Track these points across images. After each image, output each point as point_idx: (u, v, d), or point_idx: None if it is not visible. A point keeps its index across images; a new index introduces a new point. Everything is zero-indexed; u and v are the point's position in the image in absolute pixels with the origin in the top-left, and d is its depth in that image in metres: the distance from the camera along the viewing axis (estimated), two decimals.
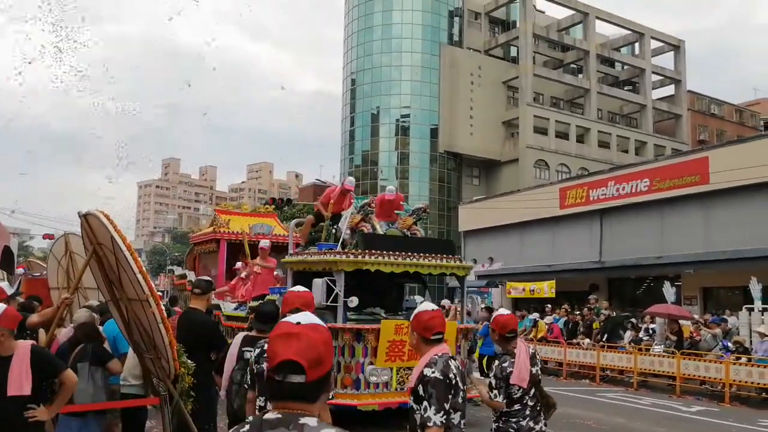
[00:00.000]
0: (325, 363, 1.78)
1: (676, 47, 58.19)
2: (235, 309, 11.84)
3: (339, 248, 9.08)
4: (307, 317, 1.84)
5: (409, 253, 8.83)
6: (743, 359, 14.64)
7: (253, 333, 5.46)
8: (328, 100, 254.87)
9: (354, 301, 8.09)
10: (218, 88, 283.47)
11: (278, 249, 13.64)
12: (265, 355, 4.04)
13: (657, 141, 54.52)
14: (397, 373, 8.69)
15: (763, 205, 22.10)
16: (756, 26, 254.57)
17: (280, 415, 1.74)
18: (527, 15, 51.27)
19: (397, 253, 8.73)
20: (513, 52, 54.69)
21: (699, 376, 15.16)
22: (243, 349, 5.31)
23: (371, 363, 8.53)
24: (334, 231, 10.19)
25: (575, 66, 57.03)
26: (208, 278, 7.12)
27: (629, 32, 56.91)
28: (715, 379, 14.83)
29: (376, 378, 8.37)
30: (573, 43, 54.29)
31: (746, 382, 14.29)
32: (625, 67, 58.84)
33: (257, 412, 4.08)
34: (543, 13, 56.88)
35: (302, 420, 1.72)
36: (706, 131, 58.53)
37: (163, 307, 5.54)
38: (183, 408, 5.59)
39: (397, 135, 52.36)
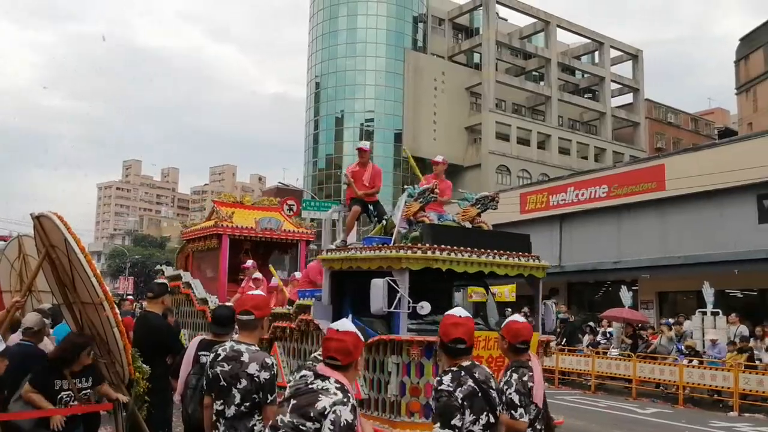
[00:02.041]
0: None
1: (635, 57, 59.44)
2: None
3: (393, 242, 7.37)
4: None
5: (484, 250, 7.18)
6: (695, 362, 15.01)
7: (210, 337, 5.42)
8: (292, 103, 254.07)
9: (426, 308, 6.54)
10: (182, 89, 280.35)
11: (285, 247, 12.69)
12: (220, 359, 3.92)
13: (616, 148, 55.57)
14: None
15: (716, 212, 22.66)
16: (711, 39, 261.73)
17: None
18: (490, 22, 51.84)
19: (468, 249, 7.07)
20: (476, 58, 55.23)
21: (654, 379, 15.50)
22: (199, 353, 5.22)
23: None
24: (375, 222, 8.68)
25: (537, 73, 57.83)
26: (163, 281, 7.05)
27: (589, 41, 57.98)
28: (669, 381, 15.17)
29: None
30: (535, 50, 55.08)
31: (699, 384, 14.66)
32: (585, 75, 59.89)
33: (214, 417, 4.05)
34: (506, 20, 57.62)
35: None
36: (663, 139, 59.86)
37: (117, 311, 5.47)
38: (137, 413, 5.51)
39: (362, 139, 52.37)
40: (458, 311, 3.85)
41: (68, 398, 5.27)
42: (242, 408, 3.92)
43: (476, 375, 3.59)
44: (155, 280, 7.35)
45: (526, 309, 23.26)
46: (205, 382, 4.21)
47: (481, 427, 3.52)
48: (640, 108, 58.76)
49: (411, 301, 6.63)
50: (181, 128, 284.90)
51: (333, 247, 8.17)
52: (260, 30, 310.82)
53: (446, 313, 3.85)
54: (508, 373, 4.16)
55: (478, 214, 7.89)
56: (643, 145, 57.06)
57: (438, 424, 3.50)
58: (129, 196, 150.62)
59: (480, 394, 3.54)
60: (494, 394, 3.62)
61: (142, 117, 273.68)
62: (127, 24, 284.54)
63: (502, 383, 4.05)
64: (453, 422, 3.45)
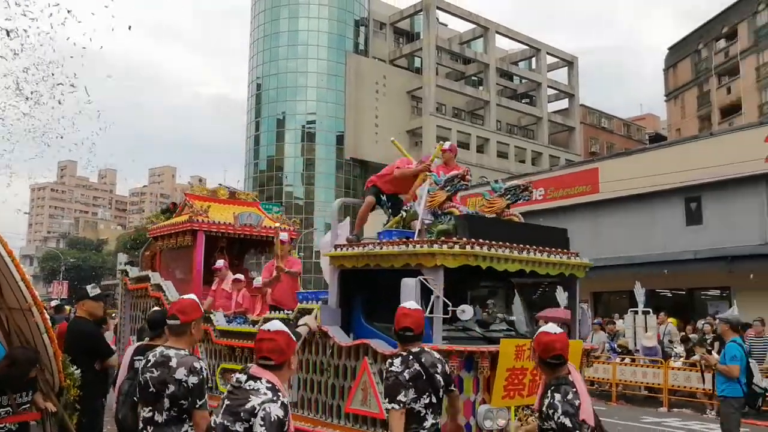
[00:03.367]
0: None
1: (570, 63, 61.06)
2: (231, 322, 9.26)
3: (416, 236, 6.50)
4: None
5: (524, 246, 6.33)
6: (627, 360, 15.53)
7: (147, 341, 5.33)
8: (234, 104, 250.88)
9: (468, 312, 5.69)
10: (121, 89, 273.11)
11: (264, 245, 11.66)
12: (150, 365, 3.95)
13: (552, 152, 56.93)
14: (516, 415, 6.08)
15: (647, 214, 23.49)
16: (642, 48, 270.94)
17: None
18: (430, 27, 52.40)
19: (510, 244, 6.20)
20: (417, 62, 55.75)
21: (588, 377, 15.94)
22: (134, 358, 5.15)
23: (484, 401, 5.94)
24: (390, 214, 7.79)
25: (476, 78, 58.76)
26: (91, 285, 6.84)
27: (527, 47, 59.28)
28: (603, 379, 15.65)
29: (491, 423, 5.85)
30: (474, 56, 55.96)
31: (631, 381, 15.19)
32: (523, 80, 61.18)
33: (142, 425, 4.02)
34: (446, 26, 58.36)
35: None
36: (597, 143, 61.66)
37: (48, 316, 5.31)
38: (68, 422, 5.35)
39: (303, 141, 52.21)
40: (410, 304, 4.48)
41: (5, 414, 5.05)
42: (171, 414, 3.87)
43: (423, 360, 4.16)
44: (81, 286, 6.89)
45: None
46: (137, 390, 4.15)
47: (423, 406, 4.10)
48: (575, 113, 60.40)
49: (450, 304, 5.74)
50: (119, 129, 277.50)
51: (339, 242, 7.16)
52: (203, 30, 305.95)
53: (400, 305, 4.46)
54: (549, 393, 3.86)
55: (507, 206, 6.94)
56: (578, 149, 58.63)
57: (386, 399, 4.11)
58: (64, 197, 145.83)
59: (425, 377, 4.11)
60: (439, 377, 4.16)
61: (79, 117, 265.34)
62: (66, 21, 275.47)
63: (544, 407, 3.84)
64: (398, 398, 4.05)
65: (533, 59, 60.51)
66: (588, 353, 7.11)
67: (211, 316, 8.96)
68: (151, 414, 3.91)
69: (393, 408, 4.04)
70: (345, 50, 52.51)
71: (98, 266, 73.29)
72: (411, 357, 4.17)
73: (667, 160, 22.41)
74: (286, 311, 7.59)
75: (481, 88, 56.79)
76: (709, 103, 50.22)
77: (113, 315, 25.27)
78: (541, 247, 6.43)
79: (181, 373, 3.83)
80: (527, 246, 6.27)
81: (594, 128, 62.77)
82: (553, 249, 6.60)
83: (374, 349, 5.97)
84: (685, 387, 14.10)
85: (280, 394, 3.15)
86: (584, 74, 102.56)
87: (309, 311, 6.94)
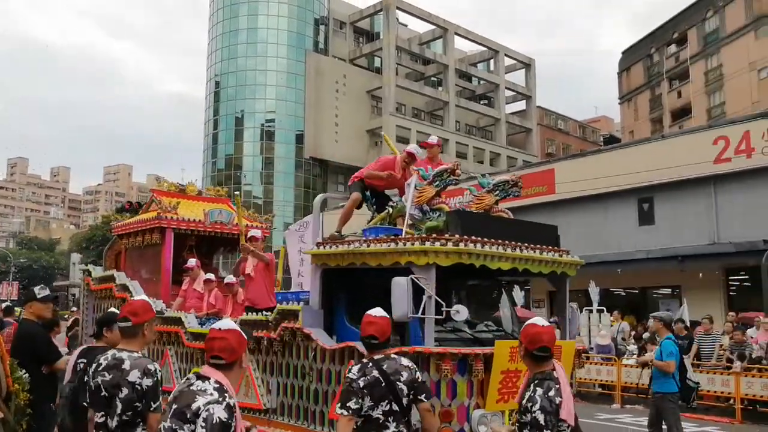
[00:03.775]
0: None
1: (528, 65, 61.95)
2: (204, 324, 8.74)
3: (404, 233, 6.13)
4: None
5: (516, 243, 6.05)
6: (582, 357, 15.91)
7: (94, 343, 5.24)
8: (191, 101, 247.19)
9: (462, 313, 5.47)
10: (75, 86, 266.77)
11: (234, 243, 10.85)
12: (101, 369, 3.86)
13: (510, 153, 57.71)
14: (509, 419, 5.81)
15: (601, 214, 24.08)
16: (597, 51, 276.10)
17: None
18: (390, 27, 52.60)
19: (503, 241, 5.91)
20: (377, 62, 55.90)
21: None
22: (78, 360, 5.04)
23: (478, 405, 5.69)
24: (374, 210, 7.45)
25: (435, 79, 59.20)
26: (39, 287, 6.61)
27: (485, 49, 59.93)
28: None
29: (485, 429, 5.63)
30: (433, 57, 56.37)
31: (586, 379, 15.59)
32: (482, 82, 61.85)
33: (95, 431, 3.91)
34: (406, 26, 58.63)
35: None
36: (553, 145, 62.76)
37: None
38: (17, 429, 5.22)
39: (262, 140, 51.89)
40: (375, 311, 4.38)
41: None
42: (124, 417, 3.77)
43: (384, 367, 4.10)
44: (30, 288, 6.55)
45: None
46: (87, 395, 4.01)
47: (382, 413, 4.04)
48: (533, 115, 61.33)
49: (444, 304, 5.48)
50: (73, 126, 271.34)
51: (320, 240, 6.77)
52: (161, 27, 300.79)
53: (366, 312, 4.39)
54: (531, 387, 3.79)
55: (496, 203, 6.66)
56: (535, 150, 59.56)
57: (338, 405, 4.10)
58: (14, 195, 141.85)
59: (384, 384, 4.04)
60: (401, 386, 4.07)
61: (31, 114, 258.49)
62: (16, 16, 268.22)
63: (525, 400, 3.77)
64: (348, 404, 4.01)
65: (491, 61, 61.21)
66: (580, 354, 6.90)
67: (183, 317, 8.56)
68: (103, 419, 3.82)
69: (342, 414, 4.04)
70: (305, 49, 52.36)
71: (50, 266, 71.64)
72: (371, 364, 4.13)
73: (621, 162, 22.99)
74: (264, 312, 7.18)
75: (440, 88, 57.24)
76: (661, 107, 51.57)
77: (66, 317, 24.73)
78: (533, 245, 6.21)
79: (134, 376, 3.76)
80: (520, 244, 6.04)
81: (551, 130, 63.89)
82: (545, 247, 6.40)
83: (361, 352, 5.61)
84: (637, 384, 14.55)
85: (227, 395, 3.10)
86: (541, 76, 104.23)
87: (291, 313, 6.55)
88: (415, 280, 5.41)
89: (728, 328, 14.42)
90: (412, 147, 7.59)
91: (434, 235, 5.63)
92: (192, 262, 9.79)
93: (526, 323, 3.98)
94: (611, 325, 17.60)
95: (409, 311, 5.28)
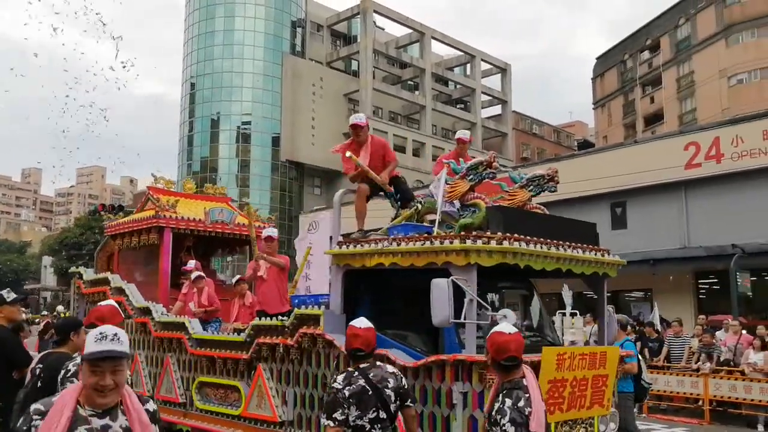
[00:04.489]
0: None
1: (503, 70, 62.45)
2: (209, 327, 8.57)
3: (436, 231, 5.64)
4: None
5: (560, 242, 5.61)
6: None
7: (54, 348, 5.19)
8: (167, 103, 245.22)
9: (510, 317, 5.05)
10: (49, 86, 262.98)
11: (234, 245, 10.90)
12: (70, 375, 3.82)
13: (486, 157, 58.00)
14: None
15: (575, 218, 24.37)
16: (571, 57, 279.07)
17: None
18: (367, 31, 52.71)
19: (547, 240, 5.49)
20: (354, 65, 55.99)
21: None
22: (36, 365, 4.96)
23: None
24: (398, 207, 6.89)
25: (412, 83, 59.41)
26: (6, 290, 6.50)
27: (462, 54, 60.29)
28: None
29: None
30: (410, 60, 56.58)
31: None
32: (458, 86, 62.20)
33: None
34: (383, 30, 58.78)
35: None
36: (528, 149, 63.34)
37: None
38: None
39: (238, 142, 51.64)
40: (359, 322, 4.33)
41: None
42: None
43: (370, 375, 4.12)
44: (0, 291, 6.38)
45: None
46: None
47: (368, 421, 4.04)
48: (508, 119, 61.82)
49: (489, 308, 5.09)
50: (46, 127, 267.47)
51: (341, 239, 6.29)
52: (137, 27, 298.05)
53: (350, 323, 4.37)
54: (500, 397, 3.64)
55: (530, 199, 6.21)
56: (510, 154, 60.01)
57: (324, 415, 4.11)
58: None
59: (371, 392, 4.06)
60: (389, 392, 4.12)
61: (1, 113, 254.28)
62: None
63: (494, 411, 3.62)
64: (335, 415, 4.02)
65: (468, 65, 61.61)
66: (622, 360, 6.52)
67: (186, 322, 8.11)
68: None
69: (328, 425, 4.04)
70: (281, 51, 52.24)
71: (21, 269, 70.59)
72: (356, 373, 4.13)
73: (595, 167, 23.29)
74: (280, 317, 6.81)
75: (417, 92, 57.46)
76: (634, 112, 52.30)
77: (37, 321, 24.38)
78: (576, 244, 5.82)
79: None
80: (564, 243, 5.65)
81: (526, 134, 64.45)
82: (587, 246, 6.01)
83: (392, 360, 5.31)
84: None
85: None
86: (517, 81, 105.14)
87: (310, 317, 6.14)
88: (456, 281, 4.98)
89: (698, 331, 14.69)
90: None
91: (474, 233, 5.21)
92: (192, 263, 9.40)
93: (492, 331, 3.83)
94: (584, 328, 17.76)
95: (451, 316, 4.87)
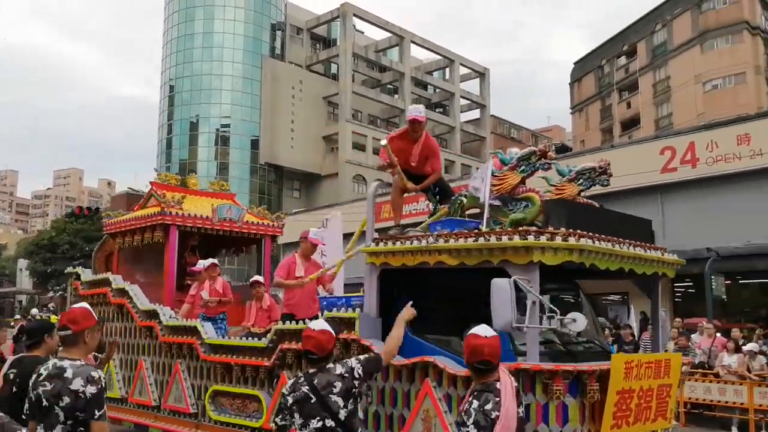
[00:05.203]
0: None
1: (482, 75, 62.83)
2: (217, 325, 8.17)
3: (484, 227, 5.16)
4: None
5: (623, 240, 5.19)
6: None
7: (27, 352, 5.14)
8: (146, 105, 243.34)
9: (580, 322, 4.59)
10: (27, 87, 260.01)
11: (240, 244, 10.40)
12: (42, 379, 3.73)
13: (464, 161, 58.40)
14: None
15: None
16: (549, 62, 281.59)
17: None
18: (347, 34, 52.74)
19: (610, 237, 5.07)
20: (333, 69, 55.98)
21: None
22: (9, 371, 4.83)
23: None
24: (436, 201, 6.56)
25: (392, 86, 59.54)
26: None
27: (441, 58, 60.58)
28: None
29: None
30: (390, 64, 56.71)
31: None
32: (437, 90, 62.44)
33: None
34: (362, 33, 58.84)
35: None
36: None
37: None
38: None
39: (217, 145, 51.41)
40: (317, 324, 4.14)
41: None
42: (66, 427, 3.62)
43: (315, 382, 3.86)
44: None
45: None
46: (27, 407, 3.86)
47: (313, 430, 3.79)
48: (487, 123, 62.20)
49: (558, 312, 4.59)
50: (23, 129, 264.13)
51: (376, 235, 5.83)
52: (116, 29, 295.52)
53: (308, 326, 4.19)
54: (471, 398, 3.57)
55: (579, 194, 5.73)
56: (488, 158, 60.29)
57: (277, 418, 4.04)
58: None
59: (314, 400, 3.80)
60: (335, 398, 3.82)
61: None
62: None
63: (462, 412, 3.55)
64: (276, 419, 3.96)
65: (447, 70, 61.89)
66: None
67: (199, 326, 7.65)
68: (43, 431, 3.69)
69: (273, 426, 4.03)
70: (261, 54, 52.10)
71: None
72: (302, 379, 3.93)
73: None
74: (307, 321, 6.28)
75: (396, 96, 57.58)
76: (611, 117, 52.84)
77: (11, 324, 24.06)
78: (637, 242, 5.38)
79: (77, 384, 3.62)
80: (626, 240, 5.22)
81: (504, 138, 64.83)
82: (645, 244, 5.54)
83: (440, 368, 4.95)
84: None
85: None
86: (495, 86, 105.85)
87: (343, 321, 5.63)
88: (519, 282, 4.51)
89: (673, 334, 14.87)
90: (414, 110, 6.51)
91: (534, 228, 4.80)
92: (205, 263, 8.80)
93: (469, 333, 3.69)
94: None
95: (515, 320, 4.39)
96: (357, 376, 3.96)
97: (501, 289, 4.40)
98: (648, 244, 5.52)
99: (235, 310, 8.90)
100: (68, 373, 3.66)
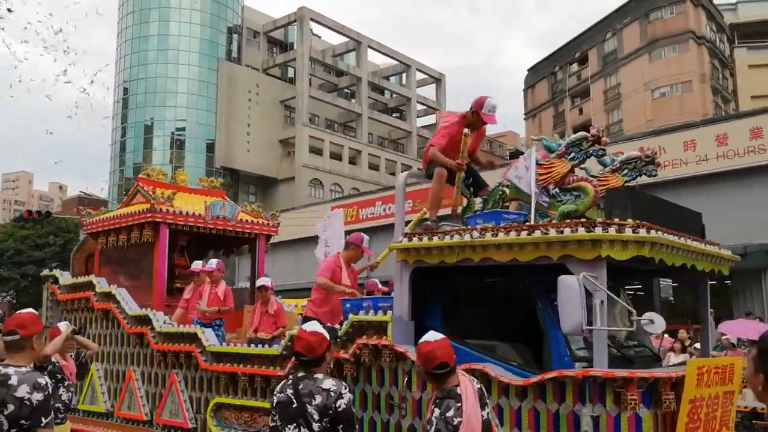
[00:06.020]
0: None
1: (438, 80, 63.51)
2: (215, 331, 7.46)
3: (532, 219, 4.76)
4: None
5: (686, 234, 4.73)
6: None
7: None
8: (98, 108, 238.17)
9: (658, 324, 4.19)
10: None
11: (232, 243, 9.94)
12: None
13: (420, 165, 58.61)
14: None
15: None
16: (502, 67, 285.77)
17: None
18: (304, 38, 52.73)
19: (676, 231, 4.63)
20: (290, 72, 55.86)
21: None
22: None
23: None
24: (471, 193, 6.09)
25: (349, 91, 59.72)
26: None
27: (398, 63, 61.01)
28: None
29: None
30: (347, 69, 56.89)
31: None
32: (394, 95, 62.86)
33: None
34: (319, 37, 58.91)
35: None
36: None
37: None
38: None
39: (172, 148, 50.82)
40: (309, 326, 4.02)
41: None
42: None
43: (299, 387, 3.74)
44: None
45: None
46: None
47: None
48: None
49: (635, 311, 4.26)
50: None
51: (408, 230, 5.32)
52: (66, 30, 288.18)
53: (302, 326, 4.06)
54: (432, 408, 3.48)
55: (623, 185, 5.35)
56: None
57: (269, 419, 4.00)
58: None
59: (294, 406, 3.68)
60: (311, 410, 3.65)
61: None
62: None
63: (425, 421, 3.51)
64: (270, 420, 3.89)
65: (404, 75, 62.33)
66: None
67: (199, 333, 7.00)
68: None
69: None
70: (217, 57, 51.70)
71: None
72: (290, 382, 3.85)
73: None
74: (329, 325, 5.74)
75: (353, 100, 57.77)
76: (564, 123, 53.91)
77: None
78: (696, 237, 4.94)
79: (23, 391, 3.51)
80: (688, 234, 4.76)
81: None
82: (702, 239, 5.14)
83: (491, 376, 4.50)
84: None
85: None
86: (451, 91, 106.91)
87: (373, 325, 5.16)
88: (588, 279, 4.04)
89: None
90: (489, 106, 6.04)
91: (599, 220, 4.38)
92: (204, 264, 8.21)
93: (420, 341, 3.60)
94: None
95: (585, 322, 3.94)
96: (339, 405, 3.67)
97: (569, 287, 3.95)
98: (706, 240, 5.15)
99: (230, 316, 8.45)
100: (13, 380, 3.57)
